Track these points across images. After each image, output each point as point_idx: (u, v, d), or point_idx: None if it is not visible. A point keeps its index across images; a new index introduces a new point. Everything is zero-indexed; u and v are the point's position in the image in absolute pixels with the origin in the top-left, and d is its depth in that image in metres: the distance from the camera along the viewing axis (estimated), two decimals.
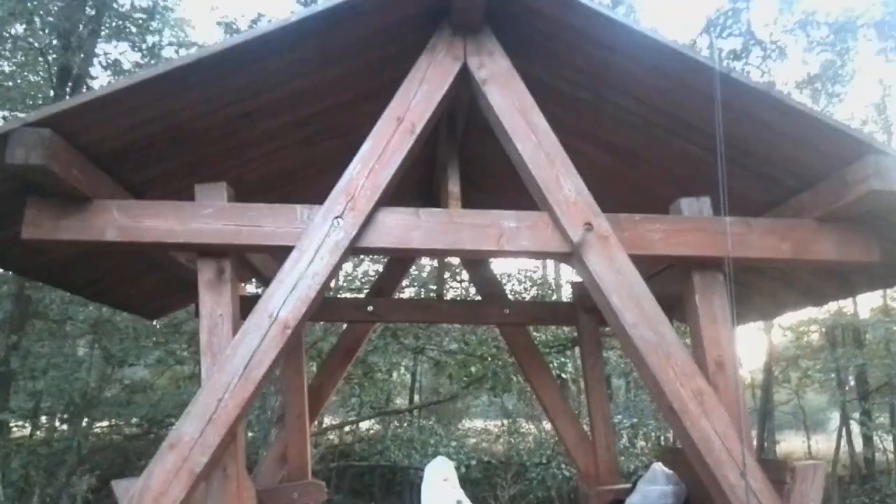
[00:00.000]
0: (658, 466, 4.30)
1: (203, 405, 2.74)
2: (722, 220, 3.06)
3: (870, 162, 2.78)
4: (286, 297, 2.86)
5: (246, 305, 3.58)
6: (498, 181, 4.84)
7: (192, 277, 3.27)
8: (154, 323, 10.67)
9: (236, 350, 2.82)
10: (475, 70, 3.04)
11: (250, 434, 9.75)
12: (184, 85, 2.85)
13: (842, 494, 14.45)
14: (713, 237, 3.07)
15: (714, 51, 10.95)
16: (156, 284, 4.69)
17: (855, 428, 16.67)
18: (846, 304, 17.06)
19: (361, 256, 10.97)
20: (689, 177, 3.56)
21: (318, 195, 3.05)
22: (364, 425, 14.31)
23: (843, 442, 16.75)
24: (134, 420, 10.84)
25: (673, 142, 3.43)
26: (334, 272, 2.97)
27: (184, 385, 11.49)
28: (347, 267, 10.81)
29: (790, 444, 18.74)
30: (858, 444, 16.48)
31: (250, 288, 5.78)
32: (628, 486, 4.52)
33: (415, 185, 5.16)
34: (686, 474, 4.06)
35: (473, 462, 12.23)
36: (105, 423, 11.54)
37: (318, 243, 2.91)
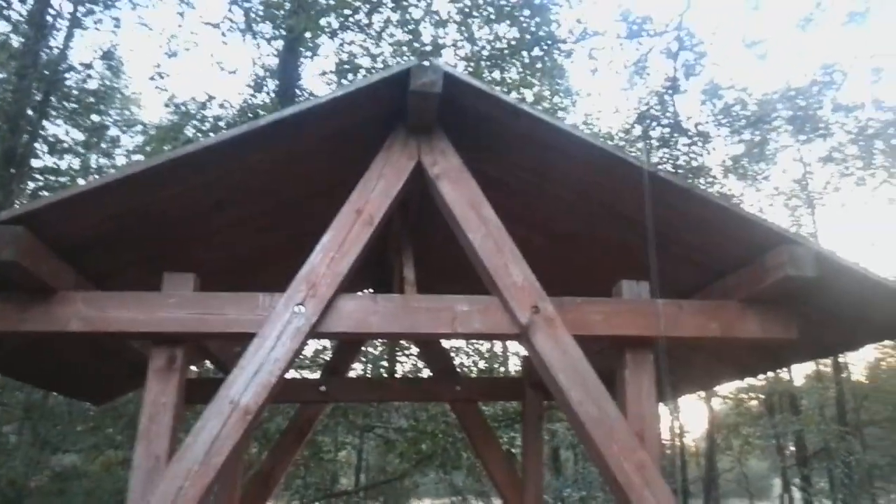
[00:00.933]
0: None
1: (163, 494, 2.77)
2: (655, 302, 3.33)
3: (784, 251, 3.09)
4: (248, 383, 2.95)
5: (194, 389, 3.66)
6: (450, 267, 5.06)
7: (142, 362, 3.33)
8: (89, 407, 10.33)
9: (196, 437, 2.87)
10: (429, 167, 3.29)
11: None
12: (158, 181, 3.00)
13: None
14: (648, 318, 3.32)
15: (644, 150, 11.72)
16: (107, 371, 4.67)
17: (796, 493, 17.05)
18: (782, 371, 17.75)
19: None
20: (627, 260, 3.83)
21: (278, 278, 3.19)
22: None
23: None
24: None
25: (610, 229, 3.73)
26: (295, 356, 3.09)
27: (117, 471, 11.02)
28: None
29: None
30: None
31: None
32: None
33: (367, 268, 5.34)
34: None
35: None
36: None
37: (279, 329, 3.03)
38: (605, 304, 3.40)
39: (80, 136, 13.78)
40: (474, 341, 12.71)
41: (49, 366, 4.25)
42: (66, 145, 13.15)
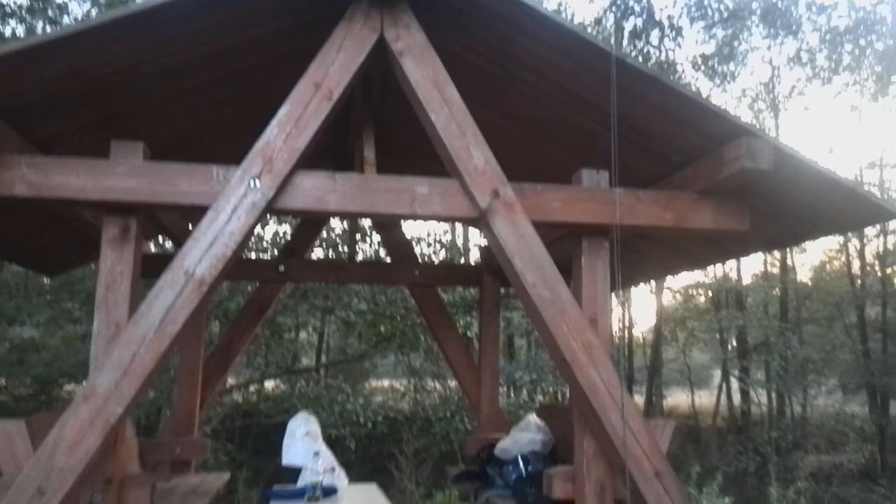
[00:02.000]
0: (532, 417, 4.69)
1: (118, 358, 2.80)
2: (613, 191, 3.36)
3: (742, 143, 3.11)
4: (202, 254, 2.94)
5: (151, 264, 3.63)
6: (410, 148, 5.00)
7: (95, 234, 3.28)
8: (46, 281, 10.25)
9: (151, 306, 2.88)
10: (392, 42, 3.16)
11: (152, 394, 9.61)
12: (100, 42, 2.83)
13: (719, 444, 15.76)
14: (605, 206, 3.36)
15: (613, 34, 11.42)
16: (56, 240, 4.60)
17: (734, 384, 18.12)
18: (731, 269, 18.40)
19: (270, 217, 10.86)
20: (588, 149, 3.84)
21: (231, 156, 3.11)
22: (269, 385, 14.29)
23: (724, 397, 18.20)
24: (26, 381, 10.42)
25: (573, 117, 3.69)
26: (250, 232, 3.06)
27: (76, 345, 11.10)
28: (256, 229, 10.69)
29: (676, 399, 20.14)
30: (737, 399, 17.94)
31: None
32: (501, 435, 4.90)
33: (327, 148, 5.24)
34: (556, 428, 4.44)
35: (380, 418, 12.51)
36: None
37: (234, 203, 2.99)
38: (565, 192, 3.41)
39: (25, 1, 12.87)
40: (435, 231, 12.84)
41: (1, 234, 4.16)
42: (8, 9, 12.29)
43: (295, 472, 4.40)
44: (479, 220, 3.23)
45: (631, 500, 3.11)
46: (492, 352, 5.71)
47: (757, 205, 3.55)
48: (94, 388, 2.78)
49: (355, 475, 4.60)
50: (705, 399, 19.61)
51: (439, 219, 3.57)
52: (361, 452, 13.25)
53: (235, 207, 2.98)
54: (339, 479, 4.47)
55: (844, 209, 3.39)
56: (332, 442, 13.14)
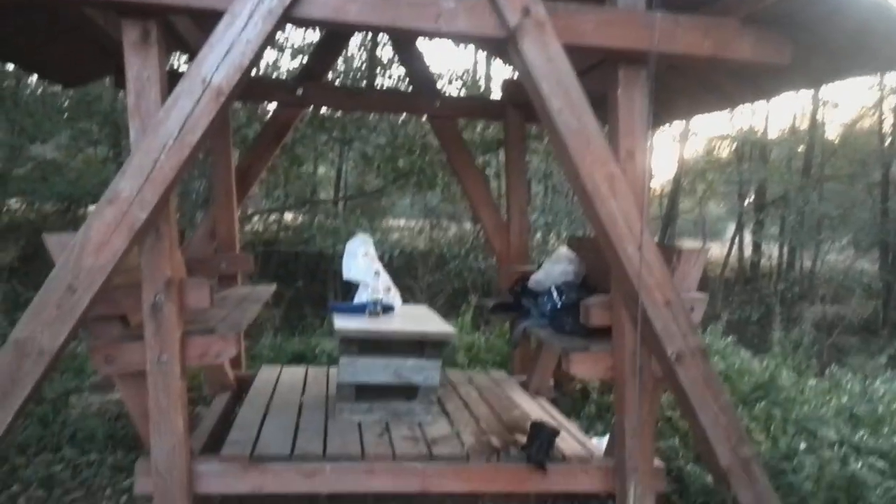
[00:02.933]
0: (563, 249, 4.73)
1: (139, 165, 2.80)
2: (652, 14, 3.15)
3: None
4: (219, 62, 2.84)
5: (172, 81, 3.52)
6: None
7: (111, 44, 3.16)
8: (64, 102, 10.15)
9: (169, 114, 2.84)
10: None
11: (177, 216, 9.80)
12: None
13: (725, 294, 16.15)
14: (642, 31, 3.16)
15: None
16: (71, 49, 4.46)
17: (747, 238, 18.25)
18: (757, 123, 17.89)
19: (286, 44, 10.50)
20: None
21: None
22: (289, 217, 14.55)
23: (735, 249, 18.40)
24: (51, 199, 10.62)
25: None
26: (268, 40, 2.94)
27: (99, 167, 11.19)
28: (270, 56, 10.34)
29: None
30: (748, 252, 18.15)
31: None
32: (536, 267, 4.99)
33: None
34: (587, 258, 4.50)
35: (396, 253, 12.82)
36: (19, 202, 11.28)
37: (251, 8, 2.84)
38: (599, 12, 3.20)
39: None
40: (454, 71, 12.40)
41: (14, 39, 4.04)
42: None
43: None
44: (507, 39, 3.07)
45: (641, 327, 3.20)
46: (519, 185, 5.67)
47: (798, 36, 3.32)
48: (118, 192, 2.80)
49: None
50: (716, 251, 19.81)
51: (465, 37, 3.41)
52: None
53: (252, 13, 2.84)
54: (395, 298, 4.67)
55: (890, 42, 3.17)
56: None
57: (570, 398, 5.41)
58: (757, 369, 5.72)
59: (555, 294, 4.23)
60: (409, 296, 10.10)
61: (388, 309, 4.50)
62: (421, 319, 4.49)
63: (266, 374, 5.15)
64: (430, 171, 10.16)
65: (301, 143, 10.17)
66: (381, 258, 12.28)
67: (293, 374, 5.23)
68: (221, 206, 5.22)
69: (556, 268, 4.47)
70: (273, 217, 13.59)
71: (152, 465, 3.16)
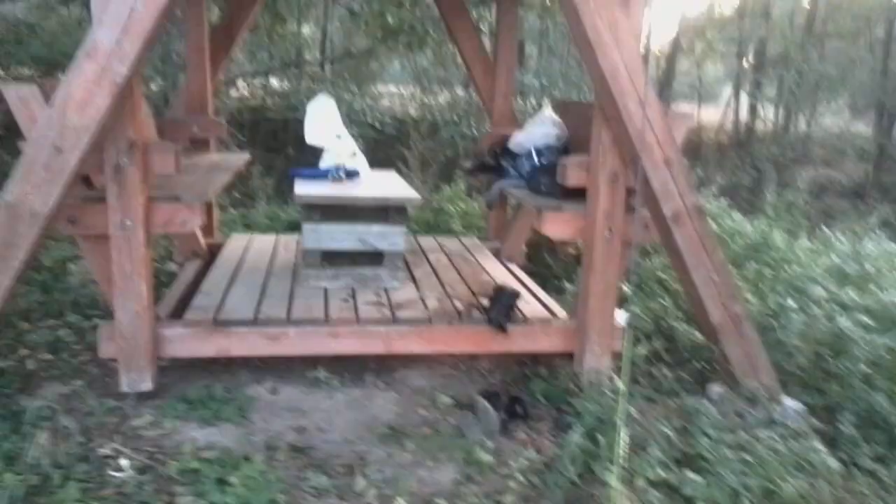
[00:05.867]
0: (547, 111, 4.60)
1: (115, 14, 2.63)
2: None
3: None
4: None
5: None
6: None
7: None
8: None
9: None
10: None
11: (161, 83, 9.44)
12: None
13: (719, 159, 16.05)
14: None
15: None
16: None
17: (743, 100, 17.91)
18: None
19: None
20: None
21: None
22: (274, 83, 14.09)
23: (731, 112, 18.11)
24: (27, 63, 10.15)
25: None
26: None
27: (75, 29, 10.62)
28: None
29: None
30: (744, 115, 17.88)
31: None
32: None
33: None
34: (570, 124, 4.36)
35: (388, 120, 12.53)
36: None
37: None
38: None
39: None
40: None
41: None
42: None
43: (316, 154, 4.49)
44: None
45: (639, 187, 3.15)
46: (508, 45, 5.38)
47: None
48: (96, 44, 2.65)
49: None
50: (711, 115, 19.51)
51: None
52: (370, 155, 13.50)
53: None
54: (360, 162, 4.57)
55: None
56: None
57: (563, 263, 5.47)
58: (749, 231, 5.75)
59: (534, 155, 4.18)
60: (402, 164, 9.98)
61: (352, 174, 4.41)
62: (385, 185, 4.41)
63: (236, 242, 5.12)
64: (421, 27, 9.70)
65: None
66: (371, 126, 12.11)
67: (263, 241, 5.20)
68: (194, 67, 4.99)
69: (538, 130, 4.37)
70: (258, 81, 13.15)
71: (116, 330, 3.18)
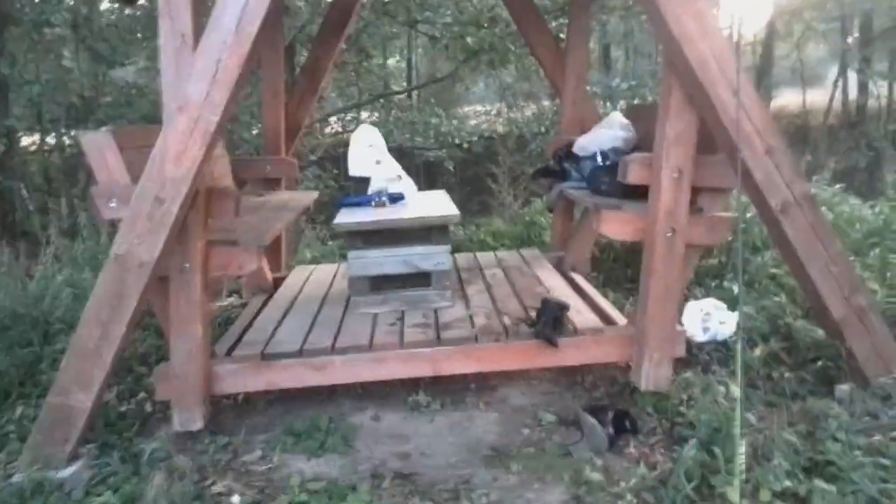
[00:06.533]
0: (616, 114, 4.44)
1: (202, 67, 2.76)
2: None
3: None
4: None
5: None
6: None
7: None
8: (137, 24, 10.23)
9: (224, 9, 2.74)
10: None
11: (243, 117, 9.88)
12: None
13: (829, 142, 15.07)
14: None
15: None
16: None
17: (852, 78, 16.77)
18: None
19: None
20: None
21: None
22: (364, 115, 14.51)
23: (838, 93, 17.01)
24: (138, 121, 10.95)
25: None
26: None
27: None
28: None
29: (785, 99, 19.02)
30: (853, 94, 16.74)
31: None
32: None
33: None
34: (642, 128, 4.17)
35: (475, 139, 12.60)
36: (108, 126, 11.67)
37: None
38: None
39: None
40: None
41: None
42: None
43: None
44: None
45: (742, 180, 2.98)
46: (577, 52, 5.18)
47: None
48: (187, 98, 2.79)
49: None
50: (817, 98, 18.40)
51: None
52: (460, 175, 13.63)
53: None
54: (406, 186, 4.58)
55: None
56: (431, 165, 13.59)
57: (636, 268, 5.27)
58: (869, 216, 5.33)
59: (598, 157, 4.04)
60: (491, 181, 9.97)
61: (396, 198, 4.41)
62: (427, 205, 4.35)
63: (298, 275, 5.17)
64: (502, 45, 9.71)
65: (366, 31, 9.90)
66: (459, 146, 12.17)
67: (324, 271, 5.24)
68: (269, 110, 5.15)
69: (605, 133, 4.22)
70: (350, 116, 13.56)
71: (171, 370, 3.23)
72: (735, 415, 2.41)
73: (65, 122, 10.35)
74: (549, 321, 3.55)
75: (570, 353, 3.54)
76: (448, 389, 3.73)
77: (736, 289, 3.42)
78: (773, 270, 4.65)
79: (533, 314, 3.77)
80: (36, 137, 10.92)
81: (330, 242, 7.45)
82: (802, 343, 3.71)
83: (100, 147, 2.98)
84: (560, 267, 5.00)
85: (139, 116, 10.33)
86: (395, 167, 4.62)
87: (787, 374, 3.40)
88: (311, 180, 10.06)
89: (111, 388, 3.88)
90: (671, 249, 3.21)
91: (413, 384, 3.73)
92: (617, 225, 3.41)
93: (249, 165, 5.14)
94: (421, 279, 4.12)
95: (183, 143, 2.81)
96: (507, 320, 3.79)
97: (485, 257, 5.38)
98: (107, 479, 2.94)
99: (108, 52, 9.38)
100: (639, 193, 3.36)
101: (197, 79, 2.76)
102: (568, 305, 3.69)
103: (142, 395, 3.90)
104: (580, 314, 3.83)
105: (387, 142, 4.84)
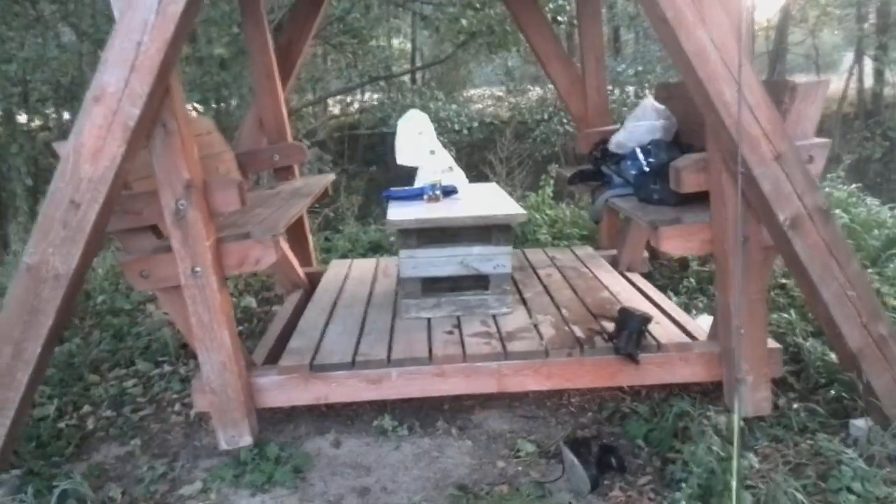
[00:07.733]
0: (648, 101, 4.00)
1: (120, 50, 2.38)
2: None
3: None
4: None
5: None
6: None
7: None
8: None
9: None
10: None
11: (234, 102, 9.48)
12: None
13: (843, 132, 14.57)
14: None
15: None
16: None
17: (867, 66, 16.20)
18: None
19: None
20: None
21: None
22: (365, 97, 14.11)
23: (854, 80, 16.44)
24: None
25: None
26: None
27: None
28: None
29: None
30: (868, 82, 16.17)
31: None
32: (617, 127, 4.30)
33: None
34: (678, 109, 3.81)
35: (475, 124, 12.15)
36: None
37: None
38: None
39: None
40: None
41: None
42: None
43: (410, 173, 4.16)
44: None
45: (744, 188, 2.59)
46: (593, 34, 4.80)
47: None
48: (103, 88, 2.41)
49: None
50: (832, 85, 17.83)
51: None
52: (463, 161, 13.24)
53: None
54: (458, 178, 4.18)
55: None
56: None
57: (668, 269, 4.87)
58: (888, 220, 4.92)
59: (640, 155, 3.58)
60: (488, 170, 9.57)
61: (449, 192, 4.01)
62: (486, 201, 3.96)
63: (335, 270, 4.82)
64: (500, 28, 9.26)
65: (353, 12, 9.45)
66: (459, 132, 11.77)
67: (362, 268, 4.88)
68: (265, 94, 4.75)
69: (640, 125, 3.79)
70: (349, 99, 13.16)
71: (205, 383, 2.96)
72: (733, 462, 2.06)
73: (53, 102, 10.00)
74: (632, 335, 3.16)
75: (652, 372, 3.18)
76: (419, 412, 3.38)
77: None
78: (783, 280, 4.26)
79: (604, 324, 3.42)
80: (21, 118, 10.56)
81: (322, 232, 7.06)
82: (813, 366, 3.34)
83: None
84: (615, 266, 4.62)
85: None
86: (447, 157, 4.21)
87: (795, 405, 3.03)
88: (312, 163, 9.64)
89: (52, 400, 3.58)
90: (748, 259, 2.80)
91: (379, 404, 3.38)
92: (678, 241, 3.02)
93: (255, 157, 4.76)
94: (475, 282, 3.74)
95: (100, 139, 2.44)
96: (578, 331, 3.41)
97: (535, 255, 4.94)
98: None
99: (93, 30, 9.00)
100: (699, 197, 2.97)
101: (113, 65, 2.38)
102: (651, 317, 3.29)
103: (86, 408, 3.59)
104: (660, 326, 3.45)
105: (387, 128, 4.42)
